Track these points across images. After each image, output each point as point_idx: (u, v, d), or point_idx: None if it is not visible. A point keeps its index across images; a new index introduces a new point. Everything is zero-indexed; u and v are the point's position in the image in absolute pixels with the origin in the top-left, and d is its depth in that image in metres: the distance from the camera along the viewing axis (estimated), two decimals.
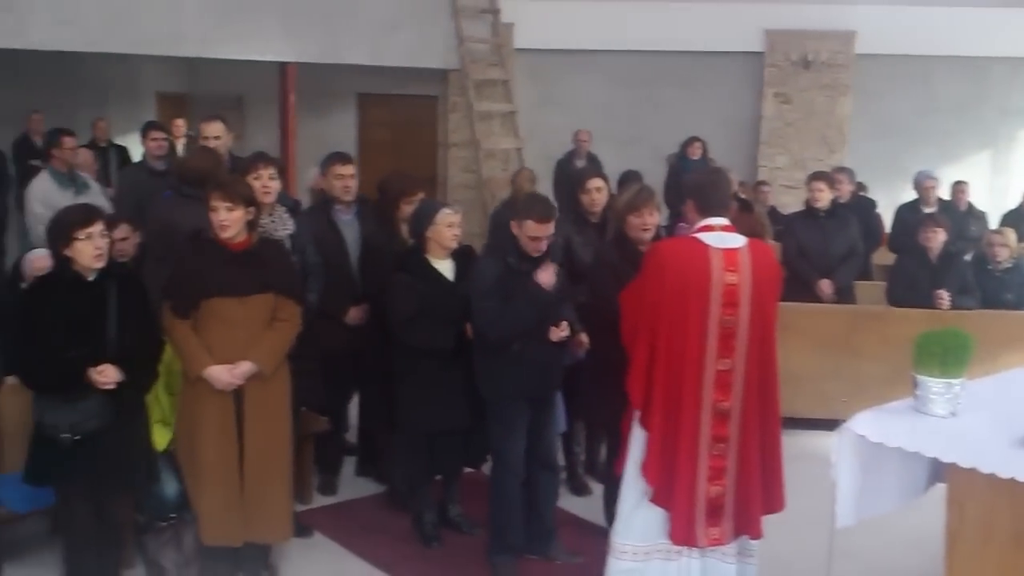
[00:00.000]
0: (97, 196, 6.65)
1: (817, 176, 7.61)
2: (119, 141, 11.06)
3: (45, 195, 6.44)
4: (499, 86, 11.74)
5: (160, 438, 4.62)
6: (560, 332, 4.65)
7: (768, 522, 4.16)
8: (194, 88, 13.51)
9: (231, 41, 9.68)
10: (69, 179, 6.74)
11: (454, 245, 4.88)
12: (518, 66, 11.96)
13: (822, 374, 6.73)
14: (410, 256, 4.95)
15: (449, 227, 4.82)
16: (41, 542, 4.98)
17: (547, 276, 4.58)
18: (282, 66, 10.24)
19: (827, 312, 7.03)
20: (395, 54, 10.77)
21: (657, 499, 4.08)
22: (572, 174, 9.62)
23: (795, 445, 5.09)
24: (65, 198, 6.36)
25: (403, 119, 12.36)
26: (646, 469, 4.08)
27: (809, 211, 7.41)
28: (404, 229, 5.27)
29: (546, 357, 4.71)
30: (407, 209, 5.28)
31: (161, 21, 9.23)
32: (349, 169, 5.59)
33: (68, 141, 7.03)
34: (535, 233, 4.59)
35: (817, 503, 4.01)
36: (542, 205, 4.64)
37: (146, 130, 7.39)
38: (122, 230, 5.33)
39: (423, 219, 4.88)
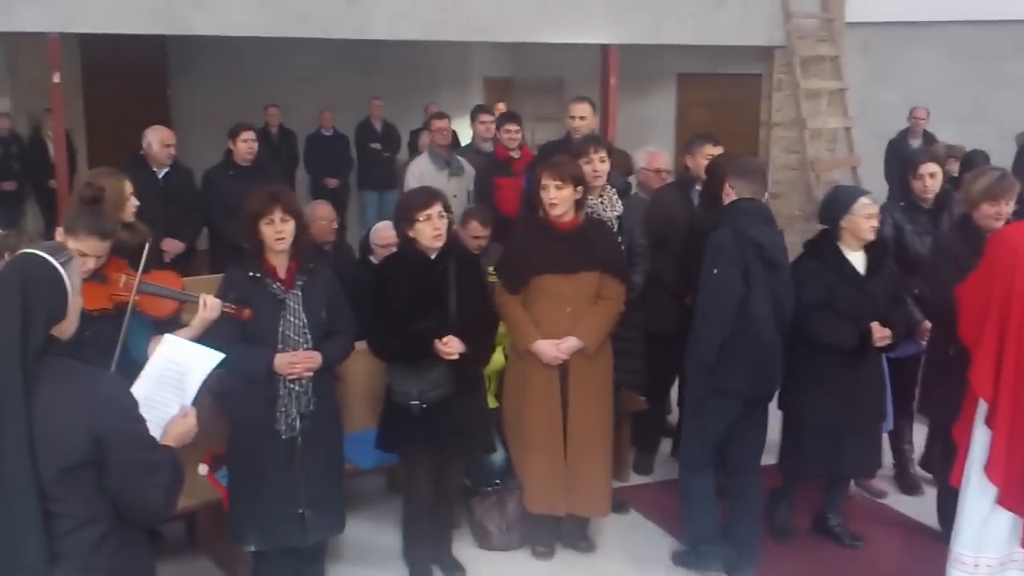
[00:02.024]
0: (471, 179, 6.83)
1: None
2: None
3: (421, 175, 6.70)
4: (828, 62, 11.21)
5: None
6: None
7: None
8: (518, 72, 13.95)
9: (554, 25, 9.88)
10: (445, 161, 6.92)
11: (871, 237, 4.56)
12: (849, 41, 11.36)
13: None
14: (821, 243, 4.67)
15: (867, 218, 4.50)
16: (378, 497, 5.37)
17: None
18: (604, 48, 10.32)
19: None
20: (718, 32, 10.55)
21: (1005, 501, 3.76)
22: (906, 154, 9.01)
23: None
24: (439, 179, 6.64)
25: (723, 99, 12.10)
26: (990, 470, 3.76)
27: None
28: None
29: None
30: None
31: (489, 9, 9.58)
32: (719, 150, 5.48)
33: (437, 124, 7.12)
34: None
35: None
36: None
37: (475, 113, 7.71)
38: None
39: (839, 206, 4.59)
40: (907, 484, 5.55)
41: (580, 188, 4.52)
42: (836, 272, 4.54)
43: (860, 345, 4.52)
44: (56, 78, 8.32)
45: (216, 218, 6.88)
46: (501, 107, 11.46)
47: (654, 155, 6.11)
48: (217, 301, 3.82)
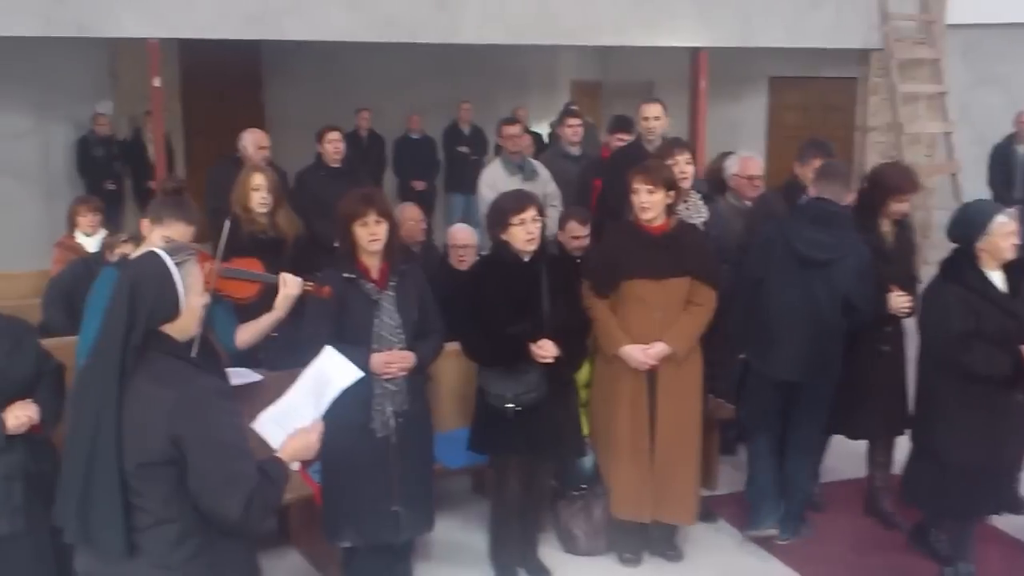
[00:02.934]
0: (546, 183, 6.80)
1: None
2: (535, 128, 11.65)
3: (493, 180, 6.69)
4: (927, 65, 10.92)
5: None
6: None
7: None
8: (606, 75, 13.91)
9: (644, 28, 9.82)
10: (518, 166, 6.88)
11: (1011, 256, 4.26)
12: (950, 43, 11.05)
13: None
14: (959, 264, 4.34)
15: (1006, 236, 4.21)
16: (464, 498, 5.38)
17: None
18: (694, 51, 10.22)
19: None
20: (812, 35, 10.35)
21: None
22: (1012, 161, 8.77)
23: None
24: (512, 184, 6.60)
25: (817, 102, 11.91)
26: None
27: None
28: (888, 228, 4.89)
29: None
30: (896, 208, 4.85)
31: (578, 12, 9.55)
32: None
33: (509, 130, 7.05)
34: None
35: None
36: None
37: (564, 117, 7.67)
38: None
39: (974, 227, 4.28)
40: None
41: (672, 192, 4.47)
42: (980, 295, 4.25)
43: (1015, 373, 4.20)
44: (156, 82, 8.56)
45: (307, 218, 6.97)
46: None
47: (747, 161, 6.00)
48: (297, 279, 3.89)
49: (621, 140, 6.77)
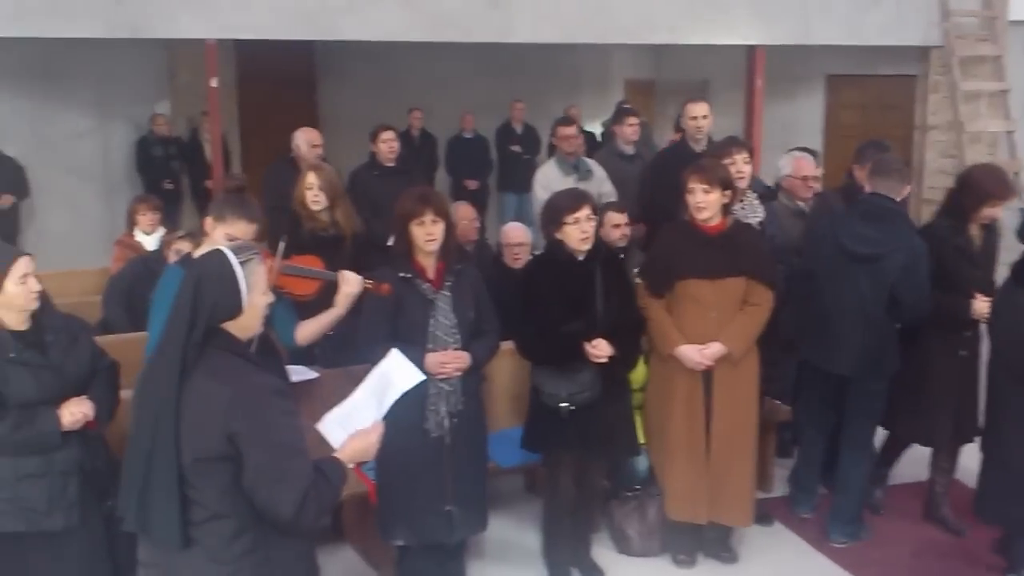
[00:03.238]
0: (601, 182, 6.77)
1: None
2: (587, 127, 11.60)
3: (548, 180, 6.67)
4: (988, 62, 10.70)
5: None
6: None
7: None
8: (660, 74, 13.82)
9: (700, 26, 9.74)
10: (572, 166, 6.84)
11: None
12: (1012, 39, 10.82)
13: None
14: None
15: None
16: (517, 497, 5.38)
17: None
18: (750, 49, 10.12)
19: None
20: (871, 32, 10.20)
21: None
22: None
23: None
24: (566, 184, 6.58)
25: (875, 101, 11.71)
26: None
27: None
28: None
29: None
30: (987, 213, 4.69)
31: (633, 11, 9.51)
32: None
33: (564, 131, 6.93)
34: None
35: None
36: None
37: (622, 116, 7.60)
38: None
39: None
40: None
41: (728, 192, 4.43)
42: None
43: None
44: (213, 83, 8.68)
45: (361, 216, 7.01)
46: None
47: (801, 162, 5.87)
48: (357, 276, 3.92)
49: (631, 125, 6.87)
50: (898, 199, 4.66)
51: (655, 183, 6.08)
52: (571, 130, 6.93)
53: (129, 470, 2.56)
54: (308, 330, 4.02)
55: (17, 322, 3.31)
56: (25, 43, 8.76)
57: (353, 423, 2.77)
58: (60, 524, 3.32)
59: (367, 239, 5.78)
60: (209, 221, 3.77)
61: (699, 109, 6.08)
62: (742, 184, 4.87)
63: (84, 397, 3.38)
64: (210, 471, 2.47)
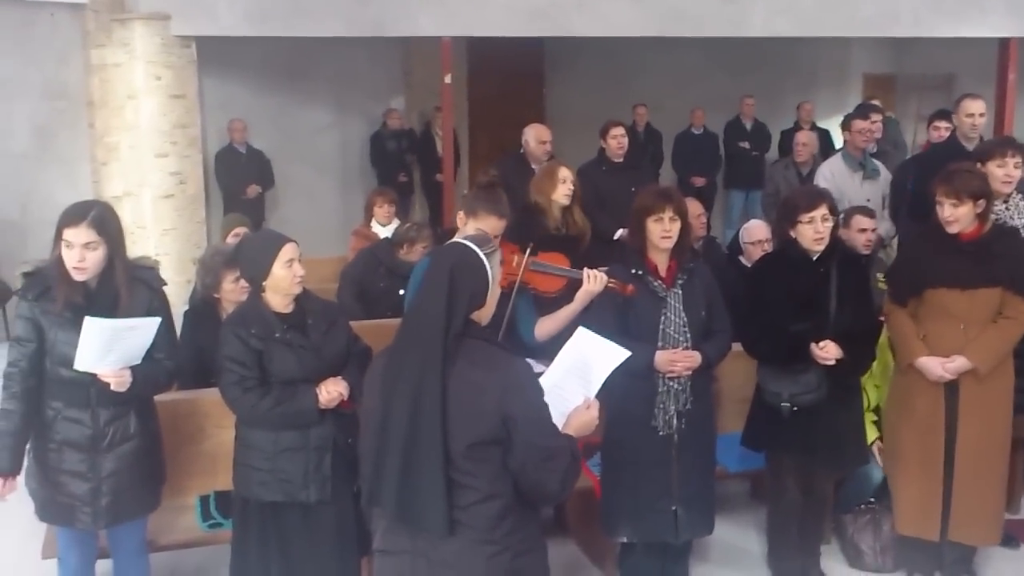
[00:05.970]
0: (885, 185, 6.52)
1: None
2: (822, 124, 11.19)
3: (832, 176, 6.51)
4: None
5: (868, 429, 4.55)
6: None
7: None
8: (901, 68, 13.18)
9: (947, 18, 9.23)
10: (859, 163, 6.63)
11: None
12: None
13: None
14: None
15: None
16: (743, 503, 5.27)
17: None
18: (1002, 41, 9.49)
19: None
20: None
21: None
22: None
23: None
24: (852, 181, 6.45)
25: None
26: None
27: None
28: None
29: None
30: None
31: (874, 2, 9.11)
32: None
33: (860, 123, 6.74)
34: None
35: None
36: None
37: (866, 111, 7.25)
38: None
39: None
40: None
41: (981, 202, 4.15)
42: None
43: None
44: (447, 79, 8.95)
45: (589, 211, 7.06)
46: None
47: None
48: (603, 276, 3.93)
49: (937, 129, 6.40)
50: None
51: (920, 181, 5.79)
52: (866, 124, 6.71)
53: (383, 459, 2.60)
54: (547, 326, 4.08)
55: (282, 305, 3.52)
56: (268, 42, 9.29)
57: (560, 403, 2.78)
58: (314, 496, 3.52)
59: (593, 234, 5.82)
60: (461, 216, 3.90)
61: (976, 106, 5.77)
62: (1007, 189, 4.58)
63: (340, 377, 3.55)
64: (485, 456, 2.55)
